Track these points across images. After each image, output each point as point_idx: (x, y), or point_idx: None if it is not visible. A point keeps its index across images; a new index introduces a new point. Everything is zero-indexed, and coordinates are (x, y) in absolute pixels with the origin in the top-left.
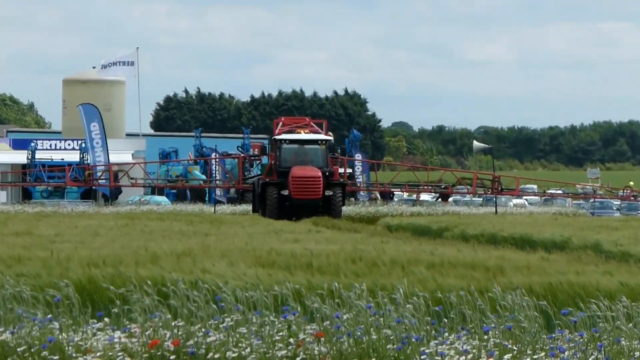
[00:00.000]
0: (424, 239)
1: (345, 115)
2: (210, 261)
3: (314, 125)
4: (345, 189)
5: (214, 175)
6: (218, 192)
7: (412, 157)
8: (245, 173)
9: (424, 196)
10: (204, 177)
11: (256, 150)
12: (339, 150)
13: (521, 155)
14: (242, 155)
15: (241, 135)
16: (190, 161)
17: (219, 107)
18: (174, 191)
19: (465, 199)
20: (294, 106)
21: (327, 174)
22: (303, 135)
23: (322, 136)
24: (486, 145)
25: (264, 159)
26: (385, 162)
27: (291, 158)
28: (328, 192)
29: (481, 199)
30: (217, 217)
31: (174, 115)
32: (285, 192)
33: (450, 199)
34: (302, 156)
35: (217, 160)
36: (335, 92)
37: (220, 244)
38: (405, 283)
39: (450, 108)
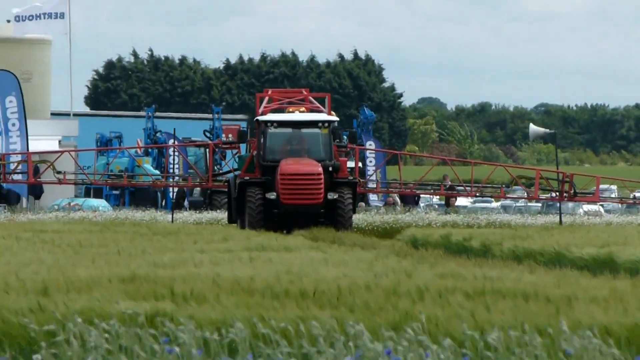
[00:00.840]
0: (461, 259)
1: (353, 88)
2: (167, 289)
3: (312, 100)
4: (356, 190)
5: (171, 170)
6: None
7: (444, 147)
8: (216, 168)
9: (461, 200)
10: (157, 172)
11: (231, 135)
12: (346, 137)
13: (595, 144)
14: (212, 142)
15: (210, 116)
16: (139, 150)
17: (179, 77)
18: (117, 192)
19: (519, 204)
20: (284, 75)
21: (330, 169)
22: (297, 116)
23: (324, 116)
24: (547, 130)
25: (243, 148)
26: (408, 154)
27: (281, 147)
28: (332, 195)
29: (540, 205)
30: (175, 229)
31: (118, 87)
32: (273, 195)
33: (468, 200)
34: (296, 144)
35: (176, 149)
36: (341, 56)
37: (178, 268)
38: (441, 317)
39: (498, 79)
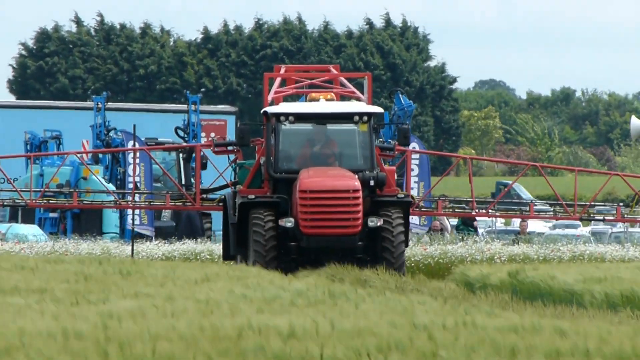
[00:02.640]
0: (534, 307)
1: (385, 68)
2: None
3: (345, 82)
4: (408, 213)
5: (128, 183)
6: (138, 217)
7: (513, 150)
8: (192, 180)
9: (535, 225)
10: (110, 186)
11: (213, 135)
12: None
13: None
14: (198, 144)
15: (183, 107)
16: (85, 156)
17: (140, 53)
18: (54, 214)
19: (617, 230)
20: (285, 51)
21: (371, 182)
22: (324, 105)
23: (362, 106)
24: None
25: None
26: (464, 157)
27: (300, 152)
28: (374, 221)
29: None
30: (136, 267)
31: (54, 67)
32: (289, 223)
33: (544, 225)
34: (322, 147)
35: (136, 154)
36: (369, 23)
37: (135, 324)
38: None
39: (586, 56)
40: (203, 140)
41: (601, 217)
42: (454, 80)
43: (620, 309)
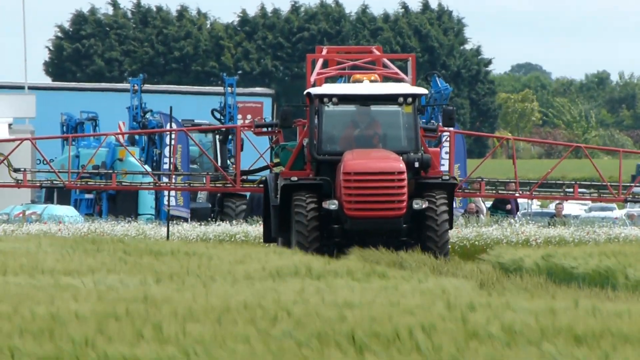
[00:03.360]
0: (569, 289)
1: (422, 51)
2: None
3: (388, 64)
4: (453, 195)
5: (164, 164)
6: (174, 199)
7: (550, 132)
8: (230, 162)
9: (571, 208)
10: (146, 168)
11: (250, 117)
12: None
13: None
14: (238, 125)
15: (220, 89)
16: (122, 138)
17: (176, 36)
18: (90, 196)
19: None
20: (324, 33)
21: (416, 164)
22: (368, 87)
23: (406, 87)
24: None
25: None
26: (507, 138)
27: (344, 133)
28: (419, 204)
29: None
30: (171, 248)
31: (91, 50)
32: (333, 205)
33: (580, 208)
34: (367, 129)
35: (174, 136)
36: (404, 7)
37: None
38: None
39: (623, 38)
40: (239, 122)
41: None
42: (489, 62)
43: None
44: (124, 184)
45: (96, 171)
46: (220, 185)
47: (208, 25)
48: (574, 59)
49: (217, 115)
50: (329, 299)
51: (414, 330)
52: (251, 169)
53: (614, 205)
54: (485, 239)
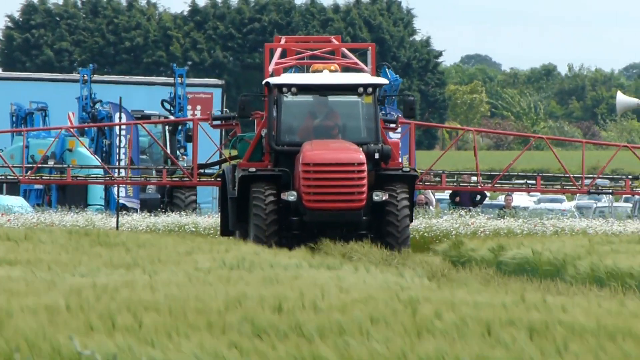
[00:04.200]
0: (519, 281)
1: (372, 42)
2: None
3: (347, 53)
4: (414, 188)
5: (115, 156)
6: (124, 190)
7: (499, 124)
8: (179, 153)
9: (520, 199)
10: (96, 158)
11: (200, 108)
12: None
13: None
14: (195, 118)
15: (170, 80)
16: (70, 129)
17: (126, 26)
18: (40, 187)
19: (601, 205)
20: (274, 24)
21: (376, 155)
22: (328, 77)
23: (367, 77)
24: None
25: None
26: (469, 130)
27: (303, 124)
28: (379, 196)
29: (631, 206)
30: (121, 238)
31: (41, 39)
32: (292, 196)
33: (529, 200)
34: (326, 119)
35: (124, 127)
36: None
37: (125, 292)
38: None
39: (572, 30)
40: (189, 113)
41: (610, 190)
42: (439, 54)
43: (607, 284)
44: (79, 178)
45: (50, 165)
46: (177, 179)
47: (157, 16)
48: (524, 51)
49: (167, 106)
50: (278, 291)
51: (363, 322)
52: (208, 162)
53: (564, 197)
54: (435, 231)
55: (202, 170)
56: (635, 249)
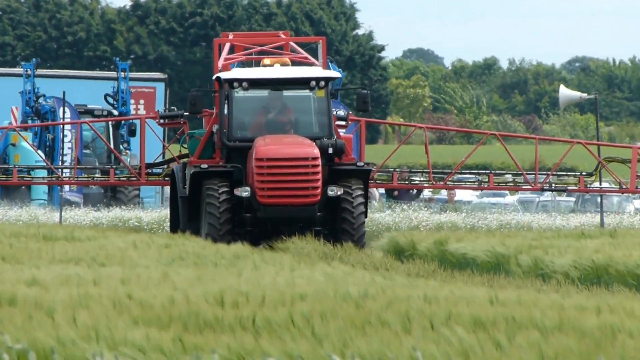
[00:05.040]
0: (462, 276)
1: (316, 36)
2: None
3: (296, 48)
4: (368, 183)
5: (59, 150)
6: (67, 185)
7: (442, 118)
8: (122, 147)
9: (463, 194)
10: (39, 153)
11: (143, 102)
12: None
13: None
14: (142, 115)
15: (113, 74)
16: (14, 122)
17: (69, 20)
18: None
19: (544, 199)
20: (216, 18)
21: (330, 150)
22: (279, 71)
23: (319, 71)
24: (584, 95)
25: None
26: (420, 126)
27: (255, 119)
28: (334, 191)
29: (574, 200)
30: (65, 233)
31: None
32: (245, 193)
33: (471, 194)
34: (278, 114)
35: (73, 127)
36: None
37: (67, 287)
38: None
39: (514, 24)
40: (132, 107)
41: (563, 187)
42: (382, 48)
43: (548, 278)
44: (26, 178)
45: (4, 166)
46: (125, 179)
47: (100, 10)
48: (467, 45)
49: (110, 100)
50: (222, 286)
51: (308, 316)
52: (156, 161)
53: (507, 192)
54: (377, 225)
55: (149, 170)
56: (576, 244)
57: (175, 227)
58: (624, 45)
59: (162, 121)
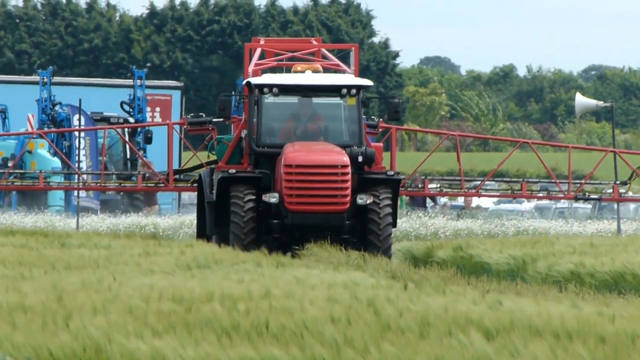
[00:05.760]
0: (479, 282)
1: (332, 42)
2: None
3: (328, 55)
4: (398, 192)
5: (75, 157)
6: (83, 191)
7: (459, 125)
8: (138, 159)
9: (479, 200)
10: (56, 160)
11: (159, 110)
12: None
13: None
14: (170, 122)
15: (129, 82)
16: (31, 129)
17: (85, 28)
18: None
19: (561, 205)
20: (234, 26)
21: (360, 158)
22: (310, 77)
23: (350, 78)
24: (600, 103)
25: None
26: (451, 134)
27: (284, 125)
28: (363, 199)
29: (590, 207)
30: (82, 239)
31: (1, 41)
32: (274, 199)
33: (489, 200)
34: (308, 121)
35: (83, 130)
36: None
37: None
38: None
39: (531, 32)
40: (148, 115)
41: (597, 197)
42: (397, 55)
43: (566, 285)
44: (52, 184)
45: (20, 171)
46: (153, 185)
47: (117, 18)
48: (483, 53)
49: (127, 107)
50: (241, 290)
51: (325, 322)
52: (185, 167)
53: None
54: (394, 232)
55: (177, 176)
56: (595, 250)
57: (202, 232)
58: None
59: (189, 127)
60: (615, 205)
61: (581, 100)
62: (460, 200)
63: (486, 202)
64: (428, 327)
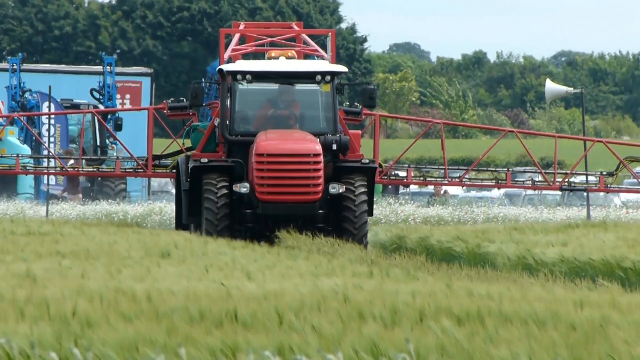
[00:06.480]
0: (449, 269)
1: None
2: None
3: (308, 40)
4: (373, 180)
5: (44, 144)
6: (53, 178)
7: (428, 112)
8: (108, 142)
9: (453, 190)
10: (26, 148)
11: (129, 97)
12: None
13: (637, 107)
14: (151, 106)
15: (99, 69)
16: (0, 118)
17: (55, 15)
18: None
19: (530, 193)
20: (203, 13)
21: (334, 146)
22: (284, 64)
23: (325, 64)
24: (570, 89)
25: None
26: (437, 122)
27: (258, 113)
28: (336, 188)
29: (560, 194)
30: (52, 227)
31: None
32: (244, 188)
33: (458, 188)
34: (282, 109)
35: (53, 117)
36: None
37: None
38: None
39: (500, 19)
40: (118, 102)
41: (583, 187)
42: (364, 39)
43: (536, 272)
44: (21, 168)
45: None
46: (131, 170)
47: (86, 5)
48: (452, 39)
49: (96, 94)
50: (211, 278)
51: (297, 310)
52: (164, 153)
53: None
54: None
55: (156, 162)
56: (562, 237)
57: (179, 220)
58: (610, 39)
59: (169, 112)
60: (584, 193)
61: (551, 86)
62: (430, 188)
63: (455, 189)
64: (398, 315)
